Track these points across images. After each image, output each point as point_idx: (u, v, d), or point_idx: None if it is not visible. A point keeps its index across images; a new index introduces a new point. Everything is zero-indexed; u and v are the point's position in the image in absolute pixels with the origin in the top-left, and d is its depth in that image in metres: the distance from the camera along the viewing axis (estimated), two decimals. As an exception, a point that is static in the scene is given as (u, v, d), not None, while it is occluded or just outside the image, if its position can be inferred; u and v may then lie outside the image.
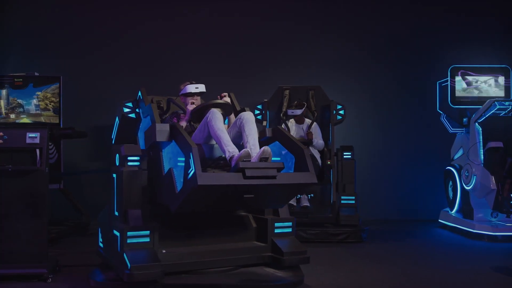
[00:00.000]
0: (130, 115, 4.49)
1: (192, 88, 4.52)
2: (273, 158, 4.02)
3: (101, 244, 4.42)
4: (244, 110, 4.44)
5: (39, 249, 4.16)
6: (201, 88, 4.54)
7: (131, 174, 3.96)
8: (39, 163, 4.18)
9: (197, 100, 4.57)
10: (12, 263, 4.11)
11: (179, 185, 3.79)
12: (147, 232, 3.87)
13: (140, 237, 3.84)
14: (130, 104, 4.53)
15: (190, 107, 4.46)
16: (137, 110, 4.52)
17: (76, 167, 7.37)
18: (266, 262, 4.26)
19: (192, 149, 3.54)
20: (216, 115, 4.07)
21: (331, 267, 4.79)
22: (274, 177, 3.68)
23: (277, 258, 4.19)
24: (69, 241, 5.99)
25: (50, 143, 5.47)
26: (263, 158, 3.75)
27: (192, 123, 4.54)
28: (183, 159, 3.74)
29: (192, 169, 3.51)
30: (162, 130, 3.88)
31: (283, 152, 4.25)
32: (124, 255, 3.74)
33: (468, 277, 4.53)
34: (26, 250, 4.13)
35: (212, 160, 4.22)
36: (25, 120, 6.34)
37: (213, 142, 4.16)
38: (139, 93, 4.50)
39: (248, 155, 3.72)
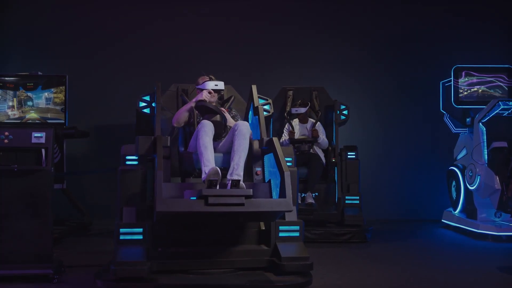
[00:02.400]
0: (144, 110, 4.51)
1: (211, 85, 4.53)
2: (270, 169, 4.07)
3: None
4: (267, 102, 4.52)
5: (44, 249, 4.14)
6: (220, 85, 4.56)
7: (126, 173, 4.03)
8: (45, 163, 4.16)
9: (214, 97, 4.57)
10: (17, 264, 4.08)
11: None
12: (140, 230, 3.89)
13: (133, 234, 3.87)
14: (147, 98, 4.57)
15: (205, 93, 4.47)
16: (153, 104, 4.53)
17: (77, 167, 7.33)
18: (266, 266, 4.09)
19: (156, 173, 3.61)
20: (205, 128, 4.02)
21: (335, 268, 4.77)
22: (241, 205, 3.53)
23: (277, 263, 4.00)
24: (70, 241, 5.97)
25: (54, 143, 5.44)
26: (234, 181, 3.66)
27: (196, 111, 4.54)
28: None
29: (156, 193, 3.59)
30: (144, 144, 3.98)
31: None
32: (117, 251, 3.79)
33: (472, 277, 4.51)
34: (31, 251, 4.10)
35: (199, 170, 4.18)
36: (32, 115, 6.27)
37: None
38: (155, 88, 4.50)
39: (216, 173, 3.65)
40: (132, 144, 4.15)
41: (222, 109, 4.55)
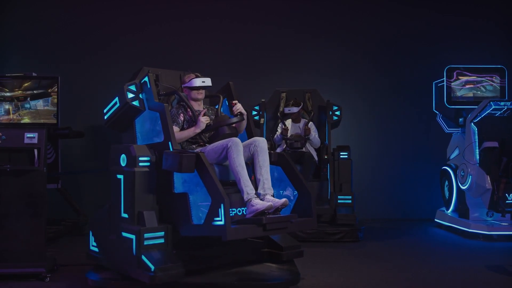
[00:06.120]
0: (134, 102, 4.18)
1: (199, 82, 4.38)
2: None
3: (94, 248, 4.33)
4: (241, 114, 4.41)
5: (37, 248, 4.20)
6: (208, 82, 4.41)
7: (144, 175, 3.93)
8: (37, 163, 4.21)
9: (202, 94, 4.45)
10: (10, 262, 4.15)
11: (195, 217, 3.81)
12: (162, 233, 3.86)
13: (156, 238, 3.83)
14: (133, 88, 4.22)
15: (203, 119, 4.26)
16: (140, 95, 4.23)
17: (73, 167, 7.38)
18: (263, 257, 4.43)
19: (224, 201, 3.55)
20: (238, 147, 3.95)
21: (327, 266, 4.83)
22: (287, 227, 3.88)
23: (276, 253, 4.36)
24: (66, 240, 6.03)
25: (47, 143, 5.47)
26: (282, 206, 3.86)
27: (202, 134, 4.36)
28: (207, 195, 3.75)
29: (221, 221, 3.56)
30: (189, 163, 3.75)
31: (285, 192, 4.34)
32: (143, 257, 3.71)
33: (463, 275, 4.57)
34: (24, 250, 4.17)
35: (223, 182, 4.09)
36: (26, 116, 6.29)
37: (227, 163, 4.08)
38: (146, 79, 4.20)
39: (270, 208, 3.78)
40: (141, 145, 4.07)
41: (237, 109, 4.36)
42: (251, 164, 4.14)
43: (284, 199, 3.88)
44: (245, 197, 3.85)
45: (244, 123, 4.47)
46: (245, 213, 3.88)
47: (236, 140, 4.00)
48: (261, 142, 4.10)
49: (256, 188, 3.99)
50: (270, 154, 4.21)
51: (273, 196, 3.98)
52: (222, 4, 7.88)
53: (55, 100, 6.27)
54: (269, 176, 4.02)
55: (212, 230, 3.62)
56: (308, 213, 4.07)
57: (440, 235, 6.64)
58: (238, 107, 4.35)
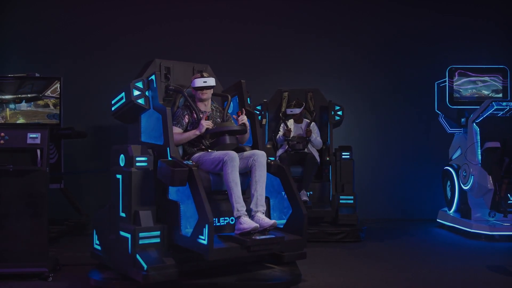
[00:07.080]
0: (139, 100, 4.14)
1: (200, 82, 4.35)
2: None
3: (97, 246, 4.35)
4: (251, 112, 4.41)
5: (40, 248, 4.20)
6: (210, 82, 4.37)
7: (141, 175, 3.95)
8: (40, 163, 4.21)
9: (206, 94, 4.42)
10: (13, 262, 4.15)
11: (184, 228, 3.84)
12: (158, 233, 3.87)
13: (151, 237, 3.84)
14: (140, 85, 4.18)
15: (204, 123, 4.22)
16: (146, 93, 4.20)
17: (76, 167, 7.39)
18: (264, 258, 4.39)
19: (209, 222, 3.54)
20: (233, 162, 3.93)
21: (328, 266, 4.83)
22: (273, 249, 3.90)
23: (277, 254, 4.29)
24: (67, 240, 6.03)
25: (50, 143, 5.47)
26: (269, 228, 3.87)
27: (204, 137, 4.35)
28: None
29: (205, 240, 3.57)
30: (181, 178, 3.76)
31: (283, 193, 4.34)
32: (138, 256, 3.72)
33: (463, 275, 4.57)
34: (26, 249, 4.17)
35: (217, 191, 4.12)
36: (27, 116, 6.32)
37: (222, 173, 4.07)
38: (153, 77, 4.17)
39: (257, 229, 3.80)
40: (139, 145, 4.08)
41: (242, 120, 4.33)
42: (249, 173, 4.13)
43: (273, 221, 3.89)
44: (235, 213, 3.86)
45: (247, 135, 4.46)
46: None
47: (232, 155, 3.98)
48: (260, 157, 4.09)
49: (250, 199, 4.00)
50: (270, 165, 4.22)
51: (264, 213, 3.97)
52: (222, 4, 7.88)
53: (39, 102, 6.31)
54: (263, 192, 4.02)
55: (196, 247, 3.65)
56: (299, 231, 4.05)
57: (442, 235, 6.64)
58: (243, 118, 4.33)
